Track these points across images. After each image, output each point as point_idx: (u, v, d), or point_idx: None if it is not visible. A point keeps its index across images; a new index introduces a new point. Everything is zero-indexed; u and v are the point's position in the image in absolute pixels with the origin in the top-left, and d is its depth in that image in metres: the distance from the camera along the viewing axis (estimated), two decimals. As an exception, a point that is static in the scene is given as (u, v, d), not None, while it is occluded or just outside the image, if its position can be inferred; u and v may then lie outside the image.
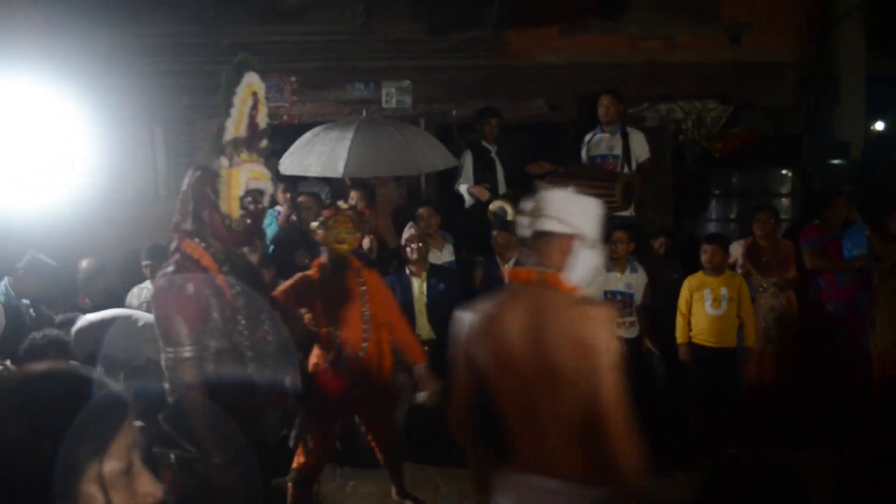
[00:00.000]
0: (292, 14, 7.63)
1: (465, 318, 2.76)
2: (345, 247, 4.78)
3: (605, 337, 2.51)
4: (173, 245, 3.42)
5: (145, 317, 5.70)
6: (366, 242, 7.26)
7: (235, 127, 3.33)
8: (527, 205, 2.76)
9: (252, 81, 3.42)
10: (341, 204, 5.02)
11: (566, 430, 2.57)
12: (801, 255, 6.52)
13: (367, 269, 5.02)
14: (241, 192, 3.32)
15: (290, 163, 6.89)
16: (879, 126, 11.45)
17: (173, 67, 7.69)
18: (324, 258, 4.90)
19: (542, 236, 2.70)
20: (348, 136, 6.82)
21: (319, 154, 6.76)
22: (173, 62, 7.68)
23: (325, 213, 4.95)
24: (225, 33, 7.59)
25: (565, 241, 2.69)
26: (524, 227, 2.74)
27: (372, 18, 7.80)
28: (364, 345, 4.82)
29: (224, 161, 3.32)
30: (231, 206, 3.32)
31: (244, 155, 3.34)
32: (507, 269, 6.77)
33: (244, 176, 3.33)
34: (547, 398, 2.56)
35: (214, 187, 3.33)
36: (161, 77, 7.70)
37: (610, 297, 6.60)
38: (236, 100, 3.34)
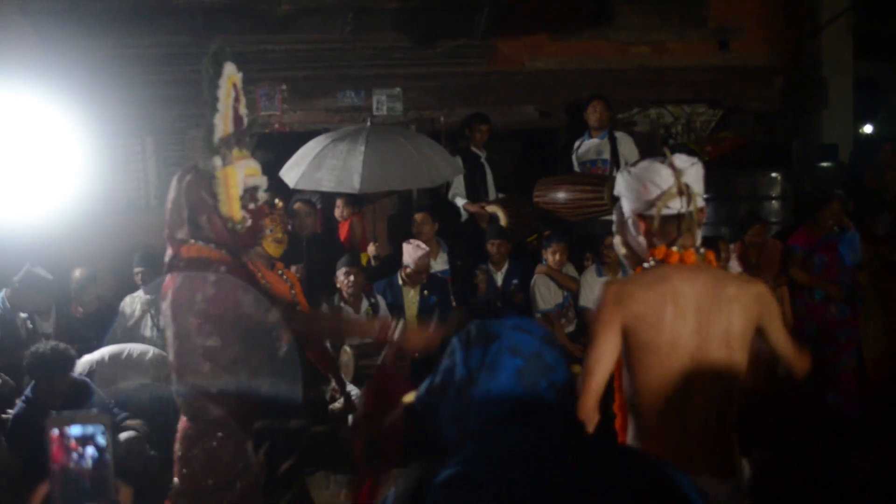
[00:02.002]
0: (282, 23, 7.64)
1: (628, 294, 2.60)
2: (282, 247, 4.67)
3: (771, 298, 2.68)
4: (169, 255, 3.17)
5: (132, 348, 5.79)
6: (371, 249, 7.28)
7: (224, 122, 3.13)
8: (668, 181, 2.60)
9: (231, 72, 3.22)
10: (278, 202, 4.79)
11: (713, 417, 2.58)
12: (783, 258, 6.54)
13: (281, 273, 4.74)
14: (240, 191, 3.11)
15: (300, 176, 6.72)
16: (868, 129, 11.51)
17: (164, 77, 7.70)
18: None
19: (691, 215, 2.60)
20: (360, 148, 6.65)
21: (331, 168, 6.63)
22: (164, 72, 7.68)
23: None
24: (215, 43, 7.58)
25: (701, 215, 2.66)
26: (673, 206, 2.60)
27: (361, 26, 7.82)
28: None
29: (218, 161, 3.07)
30: (232, 207, 3.09)
31: (235, 151, 3.13)
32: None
33: (241, 173, 3.12)
34: (706, 378, 2.56)
35: (211, 190, 3.08)
36: (152, 87, 7.71)
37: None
38: (221, 93, 3.15)
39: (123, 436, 5.64)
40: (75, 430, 1.41)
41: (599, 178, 7.18)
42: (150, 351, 5.88)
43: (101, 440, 1.42)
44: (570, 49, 8.50)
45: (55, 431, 1.40)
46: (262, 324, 3.12)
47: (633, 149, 7.64)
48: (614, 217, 2.84)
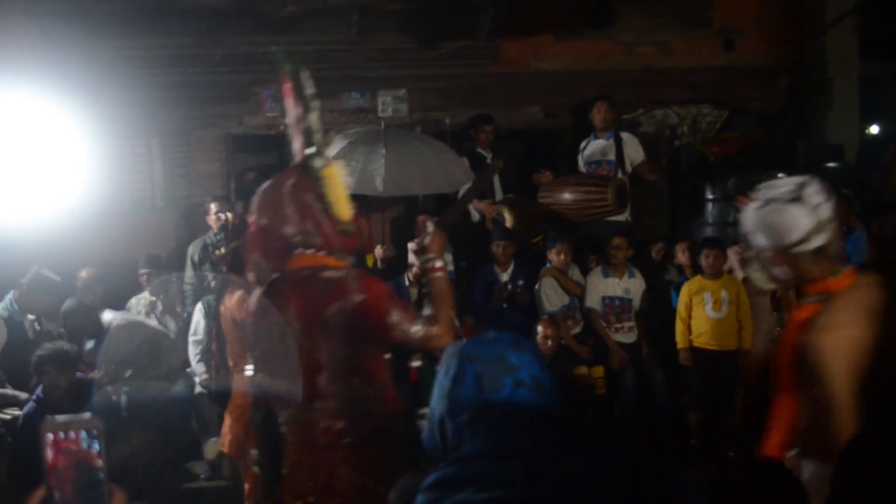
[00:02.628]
0: (287, 24, 7.64)
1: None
2: None
3: None
4: (267, 270, 2.90)
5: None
6: (378, 251, 7.28)
7: (317, 120, 2.93)
8: (806, 224, 2.58)
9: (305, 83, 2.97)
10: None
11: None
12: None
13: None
14: (345, 191, 2.93)
15: None
16: (874, 129, 11.50)
17: (169, 79, 7.72)
18: None
19: (832, 244, 2.64)
20: (380, 150, 6.68)
21: (352, 170, 6.66)
22: (169, 74, 7.70)
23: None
24: (220, 44, 7.61)
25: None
26: (825, 238, 2.61)
27: (366, 28, 7.83)
28: None
29: (321, 161, 2.89)
30: (342, 207, 2.91)
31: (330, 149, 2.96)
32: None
33: (341, 171, 2.94)
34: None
35: (319, 192, 2.88)
36: (157, 89, 7.72)
37: (609, 302, 6.63)
38: (309, 92, 2.92)
39: (130, 440, 5.67)
40: (70, 435, 1.42)
41: (604, 179, 7.17)
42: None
43: (96, 445, 1.43)
44: (575, 50, 8.49)
45: (50, 436, 1.41)
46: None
47: (639, 149, 7.63)
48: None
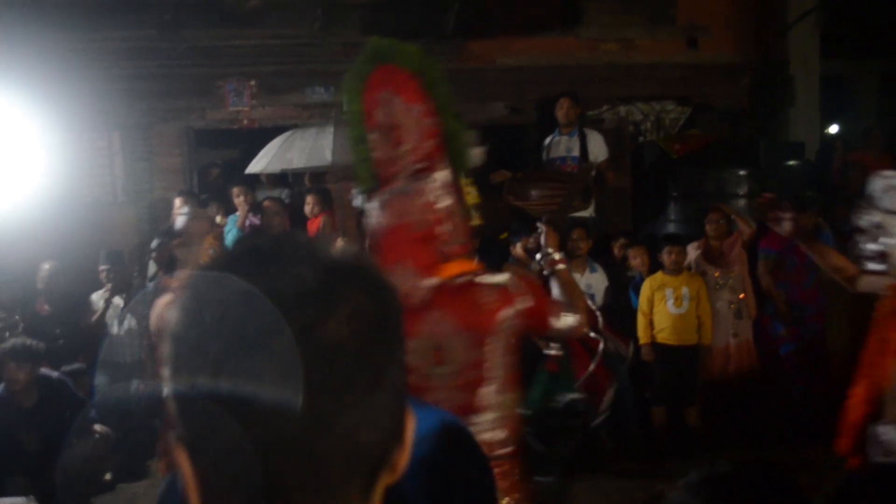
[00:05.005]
0: (250, 18, 7.59)
1: None
2: None
3: None
4: (419, 280, 2.71)
5: None
6: (339, 245, 7.24)
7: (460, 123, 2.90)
8: None
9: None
10: (220, 220, 4.48)
11: None
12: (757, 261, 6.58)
13: None
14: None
15: (269, 161, 6.81)
16: (833, 128, 11.63)
17: (131, 72, 7.62)
18: None
19: None
20: (328, 129, 6.86)
21: (301, 148, 6.75)
22: (131, 66, 7.61)
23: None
24: (183, 37, 7.53)
25: None
26: None
27: (330, 22, 7.79)
28: None
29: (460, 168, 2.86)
30: (474, 213, 2.97)
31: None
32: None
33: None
34: None
35: (461, 198, 2.84)
36: (118, 81, 7.63)
37: (571, 297, 6.65)
38: (444, 89, 2.90)
39: (91, 437, 5.63)
40: None
41: (569, 176, 7.20)
42: None
43: None
44: (540, 46, 8.51)
45: None
46: None
47: (603, 146, 7.67)
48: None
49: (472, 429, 2.61)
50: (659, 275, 6.29)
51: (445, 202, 2.74)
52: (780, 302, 6.37)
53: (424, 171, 2.79)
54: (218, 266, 0.80)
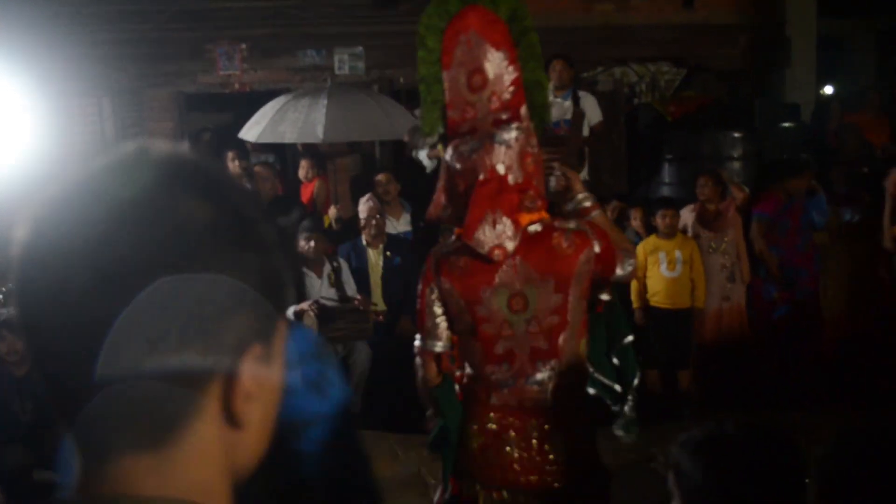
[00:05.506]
0: (241, -20, 7.51)
1: None
2: None
3: None
4: (509, 225, 2.71)
5: None
6: (332, 212, 7.22)
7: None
8: None
9: None
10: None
11: None
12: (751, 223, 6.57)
13: None
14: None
15: (261, 132, 6.72)
16: (828, 90, 11.56)
17: (120, 36, 7.54)
18: None
19: None
20: (322, 101, 6.70)
21: (293, 121, 6.64)
22: (120, 31, 7.53)
23: None
24: (173, 0, 7.45)
25: None
26: None
27: (322, -17, 7.71)
28: None
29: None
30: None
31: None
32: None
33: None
34: None
35: (539, 157, 2.87)
36: (108, 46, 7.55)
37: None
38: (538, 52, 2.90)
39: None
40: None
41: (562, 139, 7.15)
42: None
43: None
44: (534, 6, 8.20)
45: None
46: None
47: (597, 109, 7.61)
48: None
49: (549, 374, 2.77)
50: (652, 238, 6.28)
51: (538, 155, 2.75)
52: (773, 265, 6.36)
53: (506, 121, 2.77)
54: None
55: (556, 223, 2.77)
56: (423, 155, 7.56)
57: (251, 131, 6.82)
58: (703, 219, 6.60)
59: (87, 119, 7.62)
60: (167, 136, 7.86)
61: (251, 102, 7.66)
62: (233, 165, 7.16)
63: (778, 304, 6.44)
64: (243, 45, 7.86)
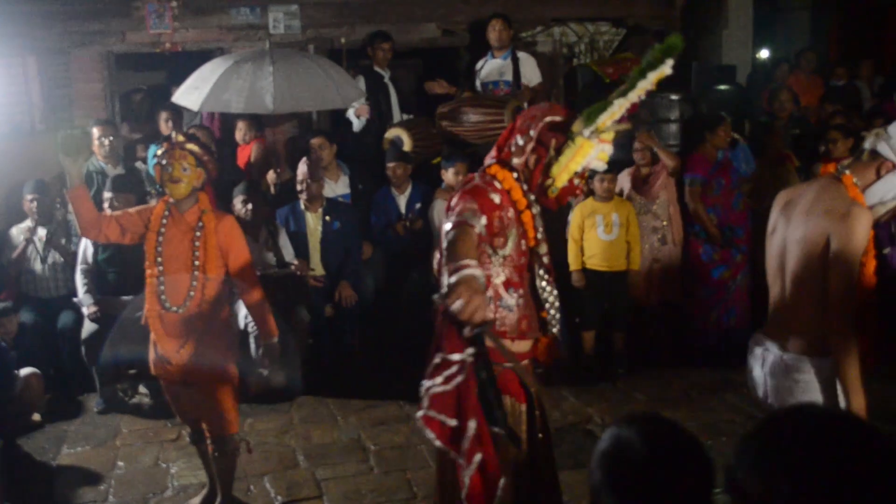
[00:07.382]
0: (171, -66, 7.27)
1: None
2: (181, 186, 4.06)
3: None
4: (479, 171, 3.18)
5: None
6: (270, 176, 7.10)
7: (621, 109, 3.00)
8: None
9: (665, 70, 3.05)
10: (176, 136, 4.16)
11: None
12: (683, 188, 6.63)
13: (216, 214, 4.20)
14: (579, 167, 3.05)
15: (203, 99, 6.47)
16: (764, 53, 11.67)
17: (45, -9, 7.26)
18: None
19: None
20: (267, 68, 6.49)
21: (239, 89, 6.42)
22: (45, -14, 7.24)
23: (163, 145, 4.15)
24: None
25: None
26: None
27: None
28: (186, 301, 4.09)
29: (588, 132, 3.00)
30: (562, 173, 3.06)
31: (606, 134, 3.03)
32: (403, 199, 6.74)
33: (594, 153, 3.04)
34: None
35: (559, 147, 3.07)
36: (32, 3, 7.26)
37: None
38: (643, 84, 3.02)
39: (23, 372, 5.54)
40: None
41: (501, 101, 7.13)
42: None
43: None
44: (474, -36, 8.30)
45: None
46: None
47: (536, 70, 7.60)
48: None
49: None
50: (589, 201, 6.31)
51: (537, 128, 3.16)
52: (711, 226, 6.45)
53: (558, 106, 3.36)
54: None
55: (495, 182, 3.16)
56: (350, 113, 7.45)
57: (190, 97, 6.59)
58: (634, 182, 6.67)
59: (12, 80, 7.30)
60: (96, 98, 7.63)
61: (184, 62, 7.46)
62: (166, 126, 6.98)
63: (717, 263, 6.53)
64: (174, 3, 7.61)
